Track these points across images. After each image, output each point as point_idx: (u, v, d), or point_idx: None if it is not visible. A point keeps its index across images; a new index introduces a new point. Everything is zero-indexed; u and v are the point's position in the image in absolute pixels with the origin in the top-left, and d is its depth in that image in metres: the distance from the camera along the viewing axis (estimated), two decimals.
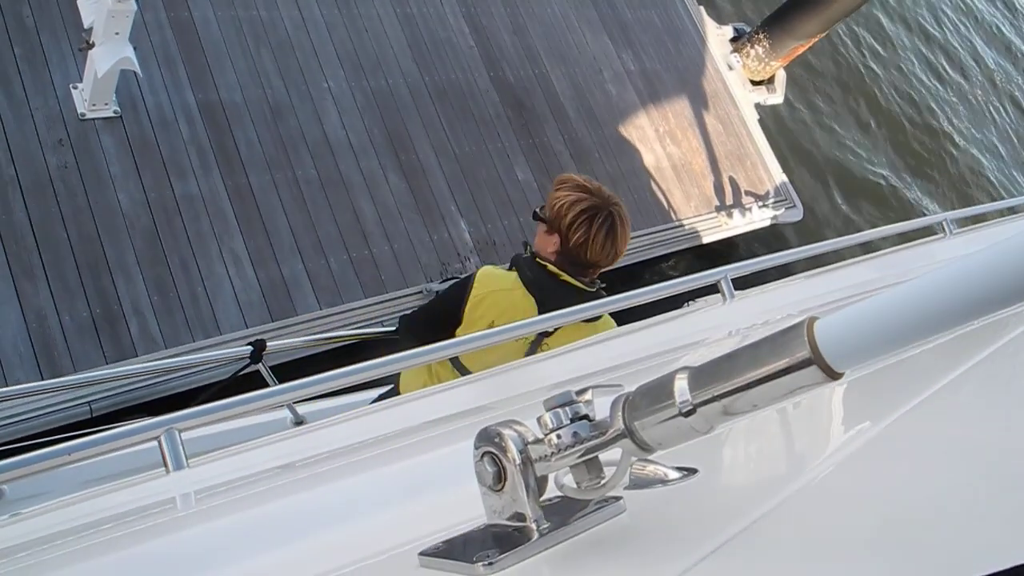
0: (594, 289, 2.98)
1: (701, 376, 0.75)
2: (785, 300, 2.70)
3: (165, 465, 1.47)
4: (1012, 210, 4.54)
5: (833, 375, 0.67)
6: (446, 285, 5.32)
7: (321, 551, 0.99)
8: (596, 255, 2.91)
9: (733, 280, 2.61)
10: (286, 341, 3.16)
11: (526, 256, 3.01)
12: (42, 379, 4.28)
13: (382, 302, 5.21)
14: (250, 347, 2.98)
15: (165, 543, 1.12)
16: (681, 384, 0.75)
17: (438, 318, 3.01)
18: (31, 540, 1.30)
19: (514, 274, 2.93)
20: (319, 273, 5.10)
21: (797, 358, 0.68)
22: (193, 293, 4.75)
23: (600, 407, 0.84)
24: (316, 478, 1.38)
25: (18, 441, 4.04)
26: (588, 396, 0.84)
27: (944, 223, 3.26)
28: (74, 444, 1.58)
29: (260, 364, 2.99)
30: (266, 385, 2.95)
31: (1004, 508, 0.86)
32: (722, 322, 2.55)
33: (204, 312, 4.74)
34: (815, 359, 0.67)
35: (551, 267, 2.89)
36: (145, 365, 4.32)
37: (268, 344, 3.00)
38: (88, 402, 4.34)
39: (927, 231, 3.37)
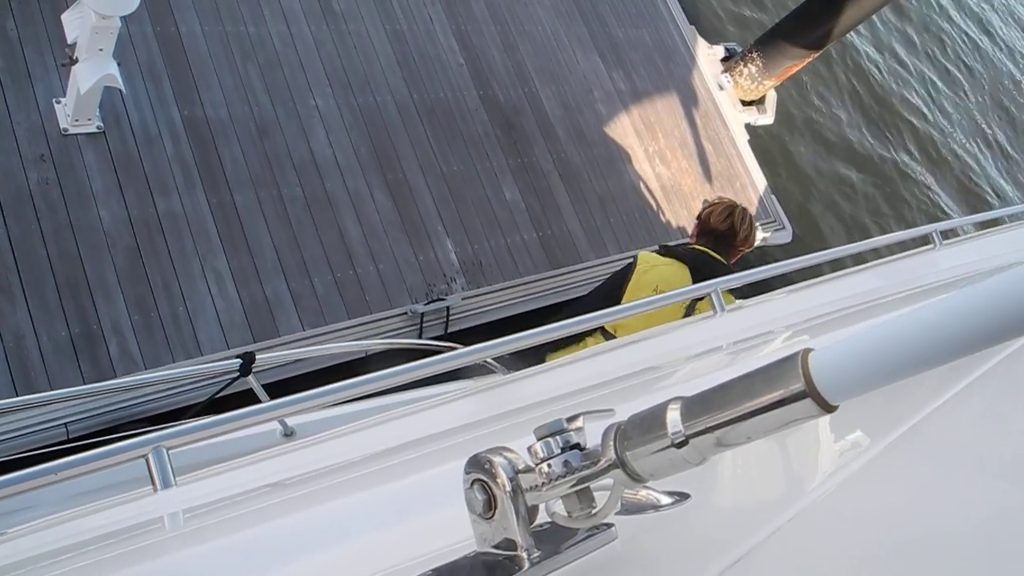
0: (730, 263, 3.81)
1: (694, 407, 0.74)
2: (776, 313, 2.70)
3: (153, 483, 1.45)
4: (996, 222, 4.53)
5: (828, 408, 0.67)
6: (432, 307, 5.29)
7: (312, 573, 0.98)
8: (716, 222, 3.79)
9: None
10: (276, 354, 3.10)
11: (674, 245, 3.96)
12: (16, 395, 4.22)
13: (366, 323, 5.16)
14: (239, 360, 2.91)
15: (154, 566, 1.10)
16: (673, 415, 0.75)
17: (608, 293, 3.74)
18: (17, 561, 1.27)
19: (667, 257, 3.77)
20: (303, 293, 5.05)
21: (791, 390, 0.67)
22: (174, 312, 4.69)
23: (592, 432, 0.84)
24: (306, 498, 1.36)
25: None
26: (579, 423, 0.84)
27: (933, 235, 3.25)
28: (61, 463, 1.54)
29: (250, 377, 2.93)
30: (256, 400, 2.90)
31: (1005, 532, 0.84)
32: (713, 336, 2.52)
33: (185, 332, 4.68)
34: (809, 392, 0.66)
35: (697, 245, 3.79)
36: (130, 379, 4.25)
37: (257, 357, 2.94)
38: (65, 423, 4.27)
39: (917, 243, 3.37)
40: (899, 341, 0.63)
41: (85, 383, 4.38)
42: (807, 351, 0.68)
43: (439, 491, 1.14)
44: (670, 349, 2.41)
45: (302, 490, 1.44)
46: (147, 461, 1.48)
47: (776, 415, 0.69)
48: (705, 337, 2.54)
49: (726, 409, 0.71)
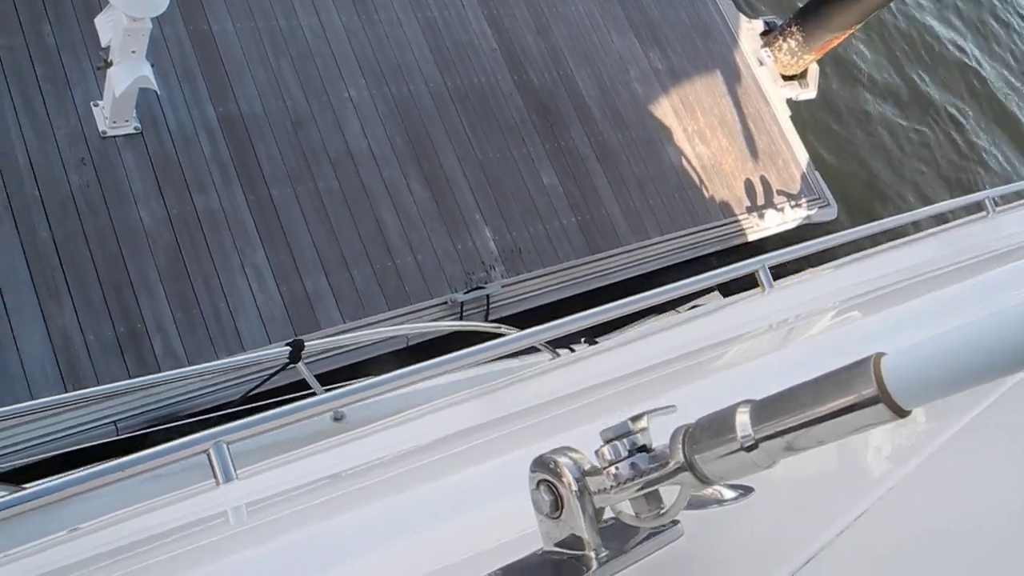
0: None
1: (763, 410, 0.74)
2: (825, 289, 2.65)
3: (215, 477, 1.49)
4: None
5: (900, 413, 0.66)
6: (471, 296, 5.27)
7: (374, 571, 0.99)
8: None
9: (771, 269, 2.55)
10: (324, 340, 3.12)
11: None
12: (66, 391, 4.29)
13: (406, 314, 5.16)
14: (288, 348, 2.91)
15: (221, 564, 1.12)
16: (743, 418, 0.75)
17: None
18: (88, 558, 1.31)
19: None
20: (342, 286, 5.06)
21: (863, 395, 0.67)
22: (216, 309, 4.73)
23: (656, 429, 0.85)
24: (366, 491, 1.38)
25: (45, 460, 4.08)
26: (644, 423, 0.85)
27: (987, 201, 3.15)
28: (125, 461, 1.59)
29: (300, 364, 2.93)
30: (306, 386, 2.92)
31: None
32: (762, 314, 2.48)
33: (227, 327, 4.72)
34: (882, 397, 0.66)
35: None
36: (178, 371, 4.29)
37: (306, 344, 2.94)
38: (114, 421, 4.35)
39: (969, 212, 3.26)
40: (976, 345, 0.62)
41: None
42: (879, 356, 0.67)
43: (499, 482, 1.15)
44: (721, 329, 2.37)
45: (361, 483, 1.46)
46: (208, 456, 1.52)
47: (847, 420, 0.68)
48: (756, 315, 2.49)
49: (796, 413, 0.71)
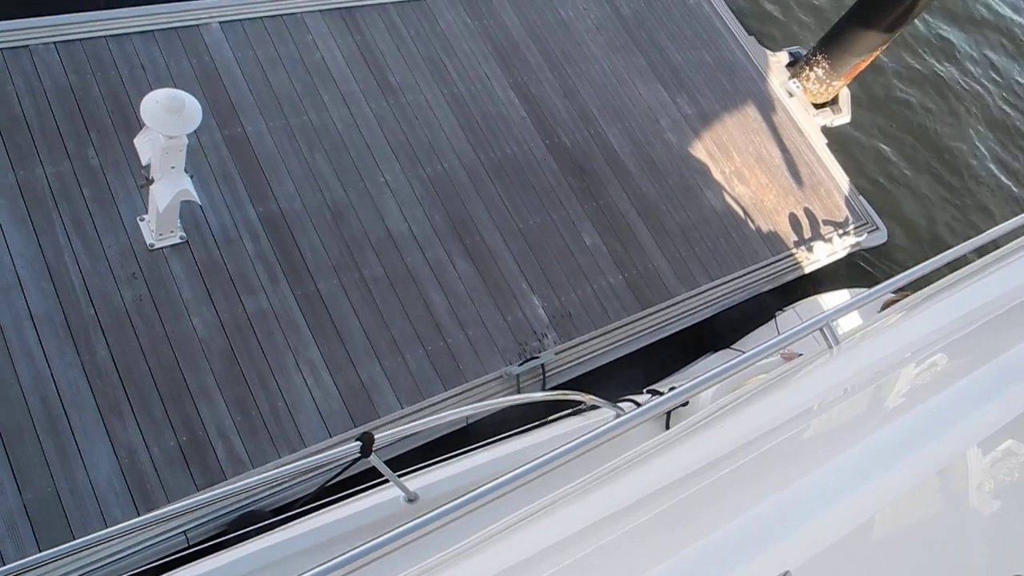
0: None
1: None
2: (895, 345, 2.55)
3: None
4: None
5: None
6: (526, 367, 5.23)
7: None
8: None
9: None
10: (394, 430, 3.12)
11: None
12: (137, 514, 4.33)
13: (462, 392, 5.14)
14: (359, 442, 2.90)
15: None
16: None
17: None
18: None
19: None
20: (396, 372, 5.06)
21: None
22: (274, 408, 4.75)
23: None
24: None
25: None
26: None
27: None
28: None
29: (372, 456, 2.91)
30: (378, 475, 2.92)
31: None
32: (834, 381, 2.41)
33: (287, 426, 4.73)
34: None
35: None
36: (249, 480, 4.30)
37: (376, 436, 2.93)
38: (184, 531, 4.36)
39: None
40: None
41: (197, 489, 4.47)
42: None
43: None
44: (795, 404, 2.30)
45: None
46: None
47: None
48: (827, 384, 2.41)
49: None
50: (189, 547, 4.36)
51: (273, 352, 4.90)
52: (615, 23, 7.42)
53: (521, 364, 5.27)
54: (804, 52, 8.30)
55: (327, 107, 5.80)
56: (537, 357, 5.34)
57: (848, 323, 2.94)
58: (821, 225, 7.23)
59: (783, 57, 8.32)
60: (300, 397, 4.83)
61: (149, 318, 4.75)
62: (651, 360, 5.92)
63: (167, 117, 3.99)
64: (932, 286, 2.79)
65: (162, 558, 4.28)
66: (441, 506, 1.88)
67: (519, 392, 5.19)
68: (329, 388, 4.90)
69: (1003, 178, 9.88)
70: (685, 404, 4.06)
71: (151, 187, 4.48)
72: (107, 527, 4.16)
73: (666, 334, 5.93)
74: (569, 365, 5.49)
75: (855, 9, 7.91)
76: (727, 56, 7.86)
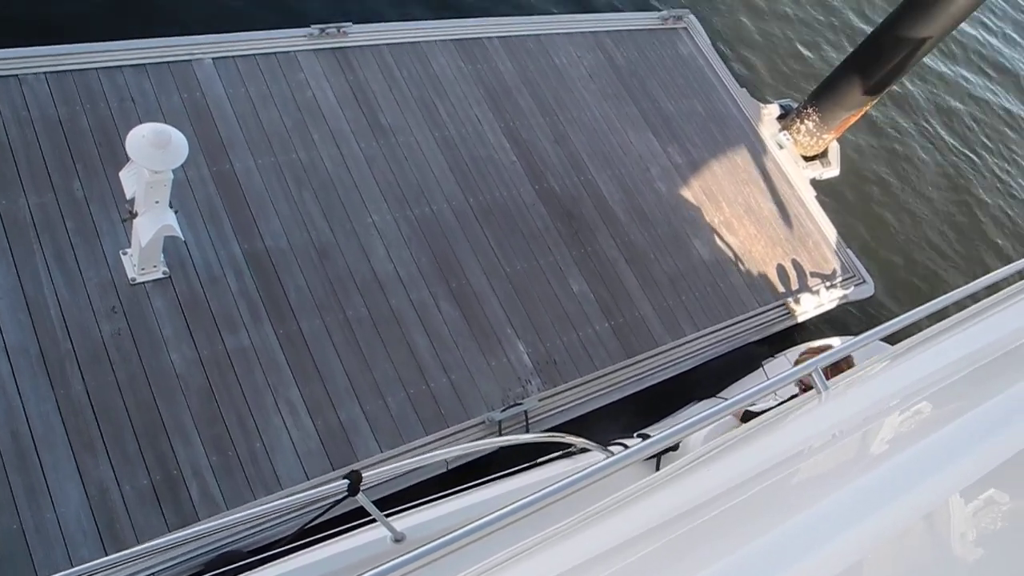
0: None
1: None
2: (884, 391, 2.58)
3: None
4: None
5: None
6: (509, 413, 5.17)
7: None
8: None
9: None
10: (382, 469, 3.07)
11: None
12: (105, 554, 4.21)
13: (443, 436, 5.06)
14: (346, 480, 2.83)
15: None
16: None
17: None
18: None
19: None
20: (377, 415, 4.99)
21: None
22: (251, 449, 4.67)
23: None
24: None
25: None
26: None
27: None
28: None
29: (359, 496, 2.85)
30: (363, 515, 2.88)
31: None
32: (823, 426, 2.43)
33: (264, 468, 4.65)
34: None
35: None
36: (233, 517, 4.19)
37: (364, 475, 2.87)
38: (152, 574, 4.25)
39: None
40: None
41: (169, 529, 4.37)
42: None
43: None
44: (784, 447, 2.31)
45: None
46: None
47: None
48: (816, 429, 2.42)
49: None
50: None
51: (252, 391, 4.82)
52: (608, 71, 7.47)
53: (504, 410, 5.21)
54: (795, 105, 8.38)
55: (317, 146, 5.79)
56: (520, 403, 5.28)
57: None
58: (808, 277, 7.23)
59: (774, 110, 8.39)
60: (278, 438, 4.75)
61: (127, 353, 4.67)
62: (636, 408, 5.86)
63: (153, 152, 3.96)
64: (920, 334, 2.80)
65: None
66: (428, 543, 1.86)
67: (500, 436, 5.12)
68: (308, 429, 4.82)
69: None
70: (675, 448, 4.04)
71: (134, 221, 4.44)
72: (72, 567, 4.05)
73: (651, 383, 5.88)
74: (552, 412, 5.43)
75: (847, 63, 8.00)
76: (718, 107, 7.92)
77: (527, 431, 5.30)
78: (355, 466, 4.81)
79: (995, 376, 2.60)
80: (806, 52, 10.58)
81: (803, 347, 6.32)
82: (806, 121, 8.07)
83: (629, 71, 7.59)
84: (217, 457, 4.59)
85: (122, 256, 4.89)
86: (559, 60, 7.25)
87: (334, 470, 4.74)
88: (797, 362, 4.22)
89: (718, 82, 8.10)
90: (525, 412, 5.29)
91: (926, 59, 10.15)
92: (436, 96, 6.45)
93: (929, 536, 2.07)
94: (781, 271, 7.10)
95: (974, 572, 2.05)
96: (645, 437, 4.47)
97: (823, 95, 8.05)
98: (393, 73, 6.41)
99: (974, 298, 3.05)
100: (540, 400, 5.40)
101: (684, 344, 6.20)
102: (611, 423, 5.63)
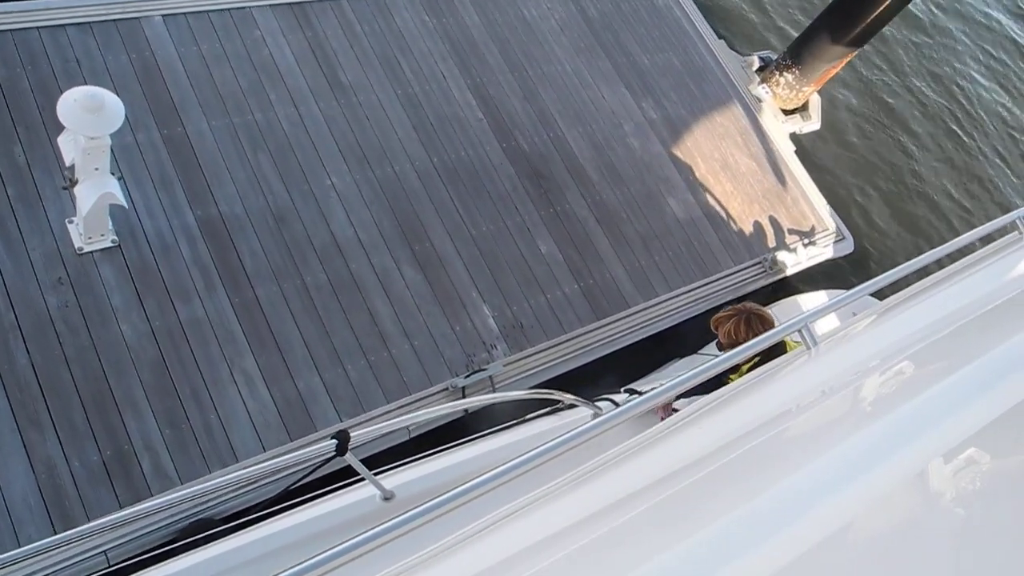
0: None
1: None
2: (873, 347, 2.59)
3: None
4: None
5: None
6: (473, 379, 5.06)
7: None
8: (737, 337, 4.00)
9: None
10: (371, 427, 2.98)
11: None
12: (54, 532, 4.11)
13: (405, 405, 4.94)
14: (334, 440, 2.72)
15: None
16: None
17: None
18: None
19: None
20: (336, 383, 4.86)
21: None
22: (206, 422, 4.54)
23: None
24: None
25: None
26: None
27: (1017, 222, 3.07)
28: None
29: (347, 455, 2.75)
30: (354, 474, 2.82)
31: None
32: (813, 382, 2.44)
33: (219, 441, 4.53)
34: None
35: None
36: (208, 484, 4.06)
37: (352, 434, 2.76)
38: (104, 551, 4.15)
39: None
40: None
41: (120, 506, 4.26)
42: None
43: None
44: (775, 403, 2.31)
45: None
46: None
47: None
48: (806, 385, 2.42)
49: None
50: (110, 567, 4.15)
51: (207, 362, 4.68)
52: (580, 24, 7.24)
53: (468, 376, 5.09)
54: (775, 57, 8.16)
55: (273, 106, 5.58)
56: (485, 369, 5.16)
57: (824, 325, 2.93)
58: (786, 234, 7.08)
59: (753, 61, 8.17)
60: (234, 410, 4.63)
61: (74, 325, 4.53)
62: (614, 367, 5.73)
63: (85, 117, 3.78)
64: (908, 289, 2.81)
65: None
66: (418, 506, 1.83)
67: None
68: (265, 400, 4.69)
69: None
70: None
71: (75, 189, 4.26)
72: (20, 547, 3.94)
73: (621, 346, 5.76)
74: (518, 377, 5.31)
75: (825, 15, 7.78)
76: (696, 60, 7.70)
77: None
78: (312, 437, 4.69)
79: (987, 330, 2.61)
80: None
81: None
82: (786, 73, 7.86)
83: (602, 24, 7.36)
84: (170, 431, 4.46)
85: (68, 225, 4.72)
86: (529, 13, 7.01)
87: (292, 441, 4.63)
88: (714, 323, 4.13)
89: (695, 34, 7.87)
90: (490, 377, 5.17)
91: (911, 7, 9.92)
92: (399, 52, 6.23)
93: (924, 493, 2.06)
94: (758, 229, 6.95)
95: (966, 530, 2.03)
96: (632, 392, 4.39)
97: (802, 47, 7.83)
98: (354, 29, 6.18)
99: (962, 252, 3.06)
100: (506, 365, 5.28)
101: (657, 305, 6.07)
102: (589, 385, 5.51)
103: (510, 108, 6.40)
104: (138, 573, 2.81)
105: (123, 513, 2.67)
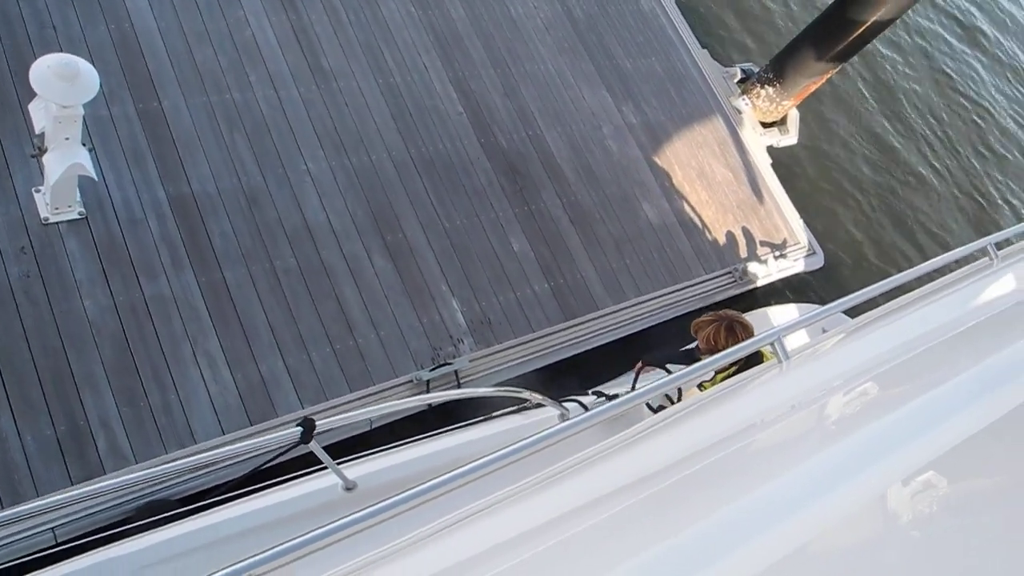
0: None
1: None
2: (844, 365, 2.61)
3: None
4: None
5: None
6: (438, 372, 5.04)
7: None
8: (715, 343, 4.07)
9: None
10: (337, 417, 2.95)
11: None
12: (1, 506, 4.04)
13: (369, 395, 4.91)
14: (299, 428, 2.68)
15: None
16: None
17: None
18: None
19: None
20: (300, 369, 4.82)
21: None
22: (166, 402, 4.49)
23: None
24: None
25: None
26: None
27: (988, 248, 3.15)
28: None
29: (312, 444, 2.71)
30: (317, 462, 2.79)
31: None
32: (782, 396, 2.46)
33: (178, 421, 4.47)
34: None
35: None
36: (183, 462, 3.98)
37: (318, 422, 2.72)
38: (51, 528, 4.08)
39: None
40: None
41: (72, 483, 4.19)
42: None
43: None
44: (745, 416, 2.34)
45: None
46: None
47: None
48: (776, 399, 2.44)
49: None
50: (58, 545, 4.08)
51: (170, 341, 4.63)
52: (566, 24, 7.24)
53: (433, 369, 5.07)
54: (756, 69, 8.21)
55: (253, 87, 5.53)
56: (450, 363, 5.14)
57: (795, 340, 3.00)
58: (758, 245, 7.13)
59: (735, 73, 8.22)
60: (195, 391, 4.57)
61: (35, 297, 4.45)
62: (579, 369, 5.74)
63: (59, 85, 3.71)
64: (879, 308, 2.84)
65: (26, 556, 4.00)
66: (382, 500, 1.83)
67: None
68: (227, 383, 4.65)
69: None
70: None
71: (44, 158, 4.19)
72: None
73: (588, 348, 5.77)
74: (484, 373, 5.30)
75: (809, 30, 7.84)
76: (678, 67, 7.73)
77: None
78: (273, 422, 4.65)
79: (954, 354, 2.66)
80: (772, 5, 10.37)
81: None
82: (767, 86, 7.91)
83: (587, 25, 7.36)
84: (128, 409, 4.40)
85: (34, 194, 4.64)
86: (515, 10, 7.00)
87: (251, 425, 4.58)
88: (693, 327, 4.17)
89: (679, 41, 7.90)
90: (455, 372, 5.15)
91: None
92: (383, 42, 6.20)
93: (879, 516, 2.09)
94: (730, 238, 6.99)
95: (922, 552, 2.05)
96: (600, 395, 4.40)
97: (785, 60, 7.89)
98: (339, 16, 6.13)
99: (937, 272, 3.12)
100: (471, 360, 5.27)
101: (626, 308, 6.08)
102: (554, 385, 5.51)
103: (490, 103, 6.39)
104: (87, 552, 2.78)
105: (75, 492, 2.64)
